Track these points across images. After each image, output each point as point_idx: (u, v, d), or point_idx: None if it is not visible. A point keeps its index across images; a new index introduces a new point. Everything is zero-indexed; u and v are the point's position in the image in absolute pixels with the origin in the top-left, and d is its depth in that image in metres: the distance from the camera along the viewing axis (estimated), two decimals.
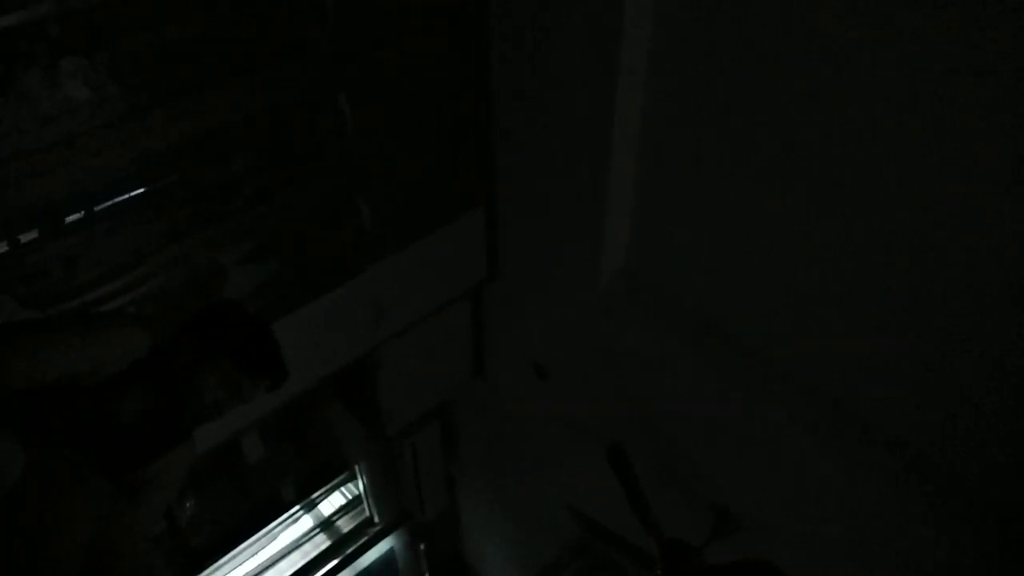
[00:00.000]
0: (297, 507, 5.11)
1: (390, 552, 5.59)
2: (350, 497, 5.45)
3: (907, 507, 2.36)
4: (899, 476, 2.38)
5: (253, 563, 4.99)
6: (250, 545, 4.86)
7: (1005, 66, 1.70)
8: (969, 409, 2.16)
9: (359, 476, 5.22)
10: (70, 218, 2.17)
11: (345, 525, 5.45)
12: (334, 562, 5.26)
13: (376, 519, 5.45)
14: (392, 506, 5.36)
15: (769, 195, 2.36)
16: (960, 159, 1.87)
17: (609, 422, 3.40)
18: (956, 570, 2.33)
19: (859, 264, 2.22)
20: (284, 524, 5.15)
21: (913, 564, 2.46)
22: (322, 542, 5.35)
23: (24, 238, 2.10)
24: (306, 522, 5.32)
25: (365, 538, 5.41)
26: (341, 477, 5.17)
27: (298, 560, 5.21)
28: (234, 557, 4.75)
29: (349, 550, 5.33)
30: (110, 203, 2.24)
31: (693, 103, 2.44)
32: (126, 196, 2.27)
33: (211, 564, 4.49)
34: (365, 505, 5.43)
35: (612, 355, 3.19)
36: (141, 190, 2.29)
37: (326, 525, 5.39)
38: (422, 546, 5.58)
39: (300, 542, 5.28)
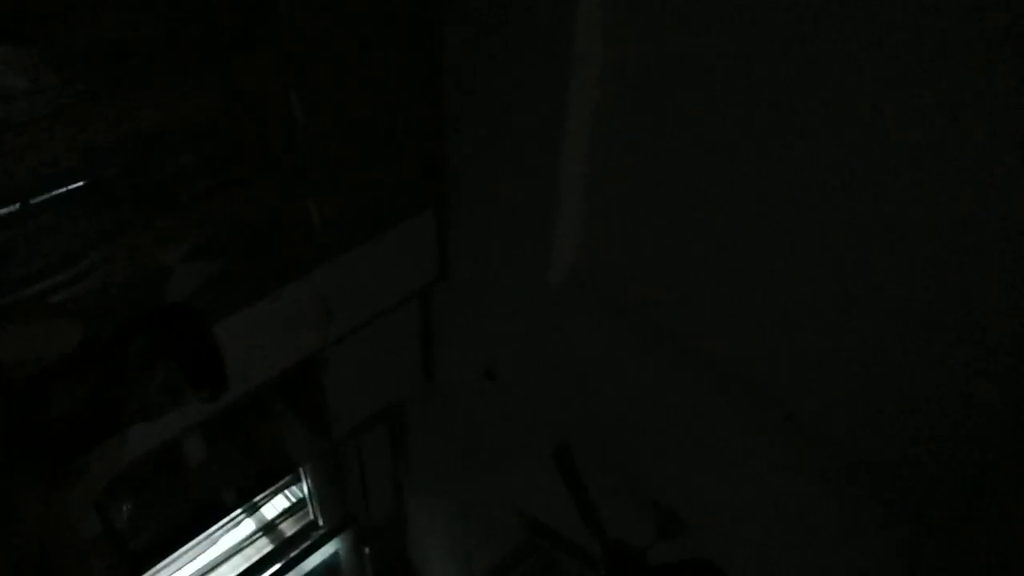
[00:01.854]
0: (239, 510, 5.01)
1: (335, 556, 5.53)
2: (294, 500, 5.38)
3: (849, 511, 2.43)
4: (842, 480, 2.44)
5: (193, 567, 4.88)
6: (190, 549, 4.75)
7: (958, 73, 1.77)
8: (916, 417, 2.22)
9: (304, 479, 5.14)
10: (4, 210, 2.10)
11: (289, 528, 5.37)
12: (277, 566, 5.17)
13: (321, 522, 5.39)
14: (337, 509, 5.30)
15: (717, 201, 2.41)
16: (915, 168, 1.94)
17: (558, 423, 3.42)
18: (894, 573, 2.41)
19: (807, 270, 2.28)
20: (225, 527, 5.05)
21: (854, 567, 2.53)
22: (264, 546, 5.26)
23: None
24: (248, 525, 5.22)
25: (309, 541, 5.33)
26: (285, 480, 5.09)
27: (240, 564, 5.11)
28: (173, 561, 4.64)
29: (292, 554, 5.25)
30: (47, 196, 2.17)
31: (644, 106, 2.48)
32: (64, 189, 2.20)
33: (150, 568, 4.38)
34: (309, 508, 5.36)
35: (561, 357, 3.21)
36: (80, 183, 2.23)
37: (269, 528, 5.31)
38: (367, 549, 5.53)
39: (242, 546, 5.18)
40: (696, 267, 2.60)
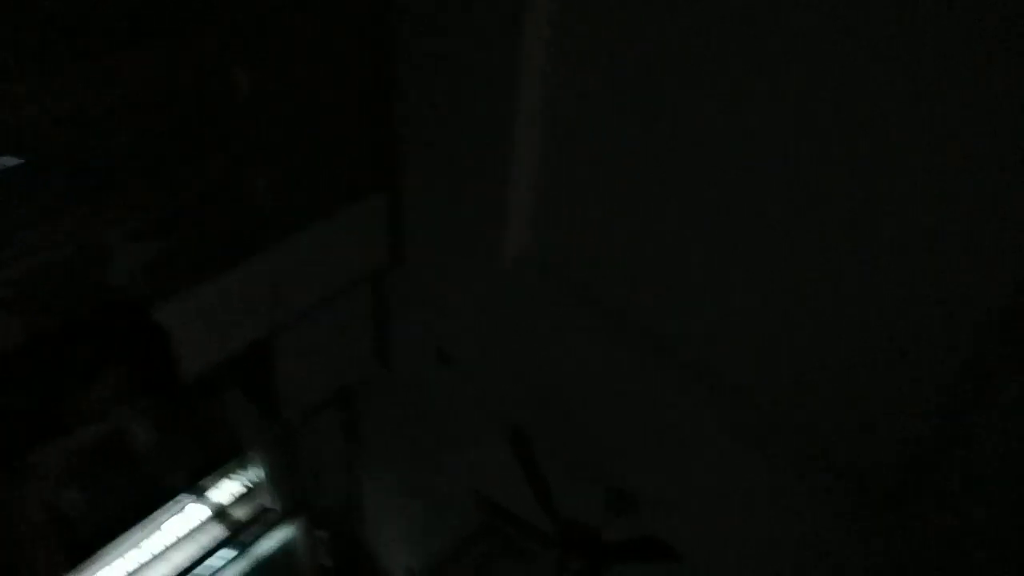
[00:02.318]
0: (190, 495, 4.94)
1: (288, 540, 5.49)
2: (247, 485, 5.31)
3: (794, 487, 2.49)
4: (791, 456, 2.50)
5: (142, 554, 4.79)
6: (139, 535, 4.67)
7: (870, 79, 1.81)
8: (858, 400, 2.28)
9: (256, 463, 5.08)
10: None
11: (241, 513, 5.30)
12: (229, 551, 5.11)
13: (274, 506, 5.34)
14: (290, 493, 5.26)
15: (666, 186, 2.43)
16: (842, 159, 1.97)
17: (512, 406, 3.43)
18: (833, 543, 2.48)
19: (756, 255, 2.32)
20: (175, 513, 4.97)
21: (800, 539, 2.60)
22: (216, 531, 5.20)
23: None
24: (199, 511, 5.15)
25: (262, 526, 5.28)
26: (237, 464, 5.02)
27: (191, 550, 5.04)
28: (122, 548, 4.55)
29: (245, 539, 5.20)
30: None
31: (594, 92, 2.48)
32: (1, 168, 2.12)
33: (97, 555, 4.29)
34: (262, 492, 5.30)
35: (515, 339, 3.22)
36: (18, 162, 2.15)
37: (220, 514, 5.23)
38: (321, 533, 5.50)
39: (193, 532, 5.10)
40: (647, 253, 2.62)
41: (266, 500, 5.34)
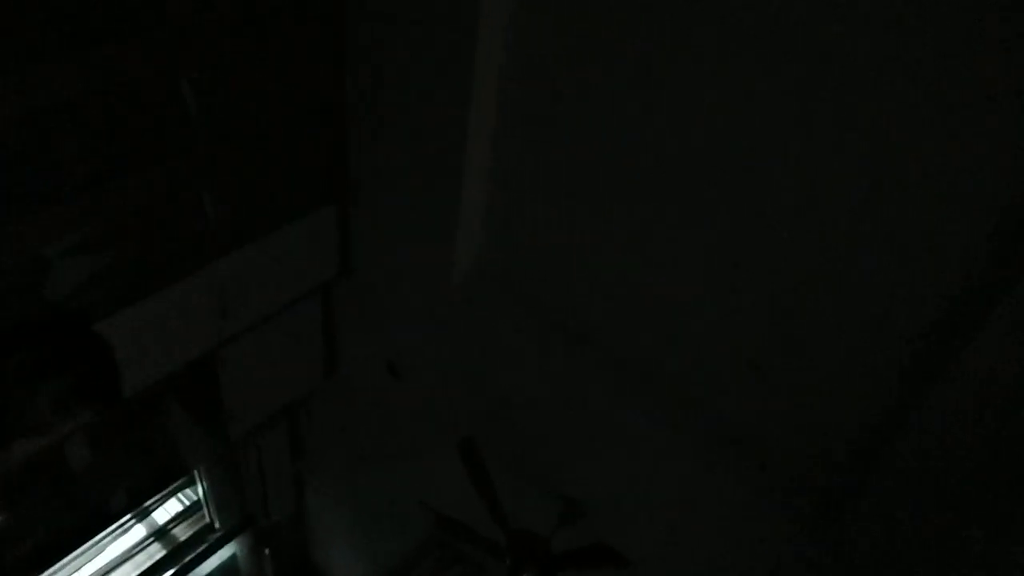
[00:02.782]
0: (128, 516, 4.79)
1: (232, 559, 5.36)
2: (188, 503, 5.17)
3: (740, 493, 2.55)
4: (735, 465, 2.56)
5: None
6: (73, 559, 4.50)
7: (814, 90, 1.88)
8: (801, 404, 2.36)
9: (199, 480, 4.96)
10: None
11: (183, 532, 5.16)
12: (170, 572, 4.97)
13: (217, 525, 5.21)
14: (235, 510, 5.14)
15: (613, 199, 2.48)
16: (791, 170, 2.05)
17: (462, 417, 3.44)
18: (778, 547, 2.55)
19: (697, 267, 2.38)
20: (113, 535, 4.81)
21: (745, 545, 2.66)
22: (157, 551, 5.04)
23: None
24: (139, 531, 5.00)
25: (205, 545, 5.15)
26: (179, 482, 4.89)
27: (130, 571, 4.88)
28: (55, 573, 4.38)
29: (187, 559, 5.06)
30: None
31: (546, 105, 2.51)
32: None
33: None
34: (205, 511, 5.17)
35: (465, 351, 3.22)
36: None
37: (161, 533, 5.09)
38: (267, 551, 5.39)
39: (132, 552, 4.95)
40: (596, 264, 2.67)
41: (209, 518, 5.22)
